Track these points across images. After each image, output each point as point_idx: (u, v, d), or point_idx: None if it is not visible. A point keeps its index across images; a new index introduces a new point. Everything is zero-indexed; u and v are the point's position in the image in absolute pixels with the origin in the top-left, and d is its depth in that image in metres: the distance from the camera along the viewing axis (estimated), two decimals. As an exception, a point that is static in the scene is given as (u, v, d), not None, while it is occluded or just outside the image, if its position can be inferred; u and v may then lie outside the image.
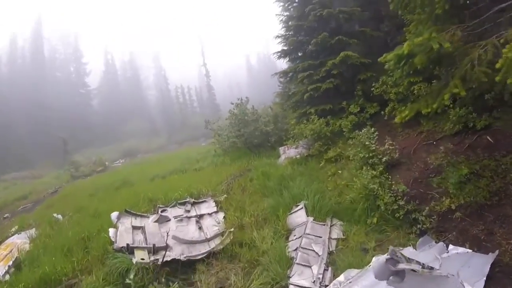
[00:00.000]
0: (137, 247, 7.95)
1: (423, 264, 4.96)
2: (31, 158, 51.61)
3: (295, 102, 16.07)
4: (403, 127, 11.17)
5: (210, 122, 20.58)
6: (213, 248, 8.15)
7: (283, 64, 19.82)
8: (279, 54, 17.45)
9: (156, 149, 55.57)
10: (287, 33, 17.17)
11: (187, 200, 11.18)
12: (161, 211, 10.41)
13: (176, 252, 8.02)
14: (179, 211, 10.56)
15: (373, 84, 12.82)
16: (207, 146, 29.69)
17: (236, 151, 18.06)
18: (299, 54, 17.19)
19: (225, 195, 11.69)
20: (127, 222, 9.54)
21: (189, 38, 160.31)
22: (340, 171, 11.13)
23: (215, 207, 10.78)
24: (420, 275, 4.85)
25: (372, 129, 10.18)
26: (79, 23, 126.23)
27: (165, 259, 7.41)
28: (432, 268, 4.90)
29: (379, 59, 7.12)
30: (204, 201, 11.38)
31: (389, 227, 7.70)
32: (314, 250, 7.41)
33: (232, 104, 18.40)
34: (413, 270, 4.85)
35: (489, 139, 7.97)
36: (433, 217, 7.23)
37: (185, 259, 7.69)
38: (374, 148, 9.57)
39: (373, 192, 8.20)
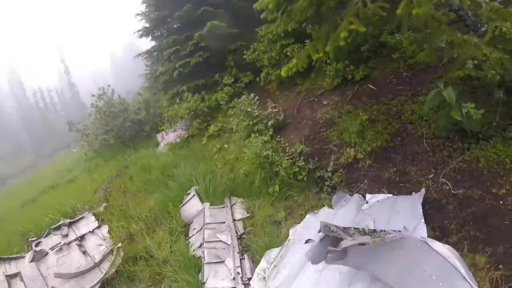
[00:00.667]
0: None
1: (370, 230, 4.00)
2: None
3: (165, 82, 14.63)
4: (280, 90, 11.15)
5: (74, 123, 17.71)
6: (105, 275, 6.58)
7: (147, 45, 18.00)
8: (140, 32, 15.65)
9: (26, 169, 49.20)
10: (147, 10, 15.40)
11: (61, 222, 8.85)
12: (35, 245, 8.14)
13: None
14: (55, 239, 8.33)
15: (244, 53, 12.32)
16: (80, 151, 26.80)
17: (109, 149, 15.92)
18: (163, 31, 15.66)
19: (104, 204, 9.81)
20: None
21: (45, 41, 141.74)
22: (226, 145, 10.16)
23: (96, 221, 8.85)
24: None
25: (252, 95, 9.47)
26: None
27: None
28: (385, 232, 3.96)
29: (255, 5, 6.13)
30: (82, 217, 9.19)
31: (294, 191, 6.95)
32: (221, 241, 6.28)
33: (94, 96, 16.02)
34: (362, 244, 3.94)
35: (371, 86, 7.93)
36: (339, 171, 6.64)
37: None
38: (258, 113, 8.89)
39: (268, 159, 7.32)
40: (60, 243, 7.98)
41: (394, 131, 6.52)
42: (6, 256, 7.95)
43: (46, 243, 8.13)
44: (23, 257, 7.91)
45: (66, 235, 8.29)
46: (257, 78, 11.82)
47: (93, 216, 9.03)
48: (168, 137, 14.01)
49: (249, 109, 8.90)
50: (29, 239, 8.59)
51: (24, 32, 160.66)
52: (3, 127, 69.80)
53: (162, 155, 11.70)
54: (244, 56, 12.24)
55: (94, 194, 10.89)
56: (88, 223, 8.82)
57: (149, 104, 16.61)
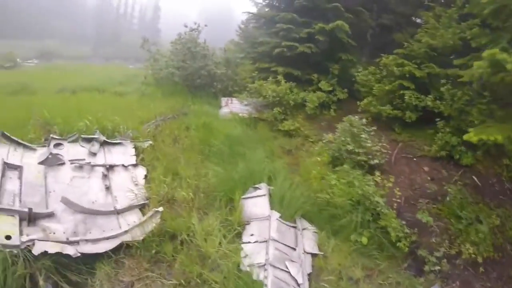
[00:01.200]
0: (1, 210, 4.65)
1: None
2: None
3: (260, 53, 13.23)
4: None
5: (149, 41, 16.66)
6: (127, 234, 5.05)
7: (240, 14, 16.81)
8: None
9: (78, 57, 48.71)
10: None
11: (96, 136, 7.33)
12: (54, 146, 6.73)
13: (66, 228, 4.88)
14: (80, 151, 6.83)
15: (359, 70, 11.62)
16: (136, 70, 25.50)
17: (171, 85, 14.43)
18: (282, 2, 14.30)
19: (150, 141, 8.06)
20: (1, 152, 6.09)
21: None
22: (301, 151, 9.06)
23: (134, 157, 7.22)
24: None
25: (364, 119, 8.06)
26: None
27: (45, 249, 4.17)
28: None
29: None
30: (120, 143, 7.55)
31: (380, 253, 5.85)
32: (290, 273, 4.77)
33: (186, 27, 14.63)
34: None
35: (476, 180, 7.51)
36: (443, 260, 5.86)
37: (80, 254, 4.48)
38: (370, 145, 7.43)
39: (369, 200, 6.10)
40: (83, 160, 6.55)
41: (498, 244, 6.10)
42: (16, 138, 6.66)
43: (68, 150, 6.76)
44: (34, 149, 6.64)
45: (95, 154, 6.87)
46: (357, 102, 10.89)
47: (133, 149, 7.49)
48: (233, 106, 12.68)
49: (363, 135, 7.45)
50: (51, 134, 7.25)
51: None
52: (80, 11, 70.51)
53: (226, 122, 10.27)
54: (356, 73, 11.42)
55: (141, 124, 9.33)
56: (124, 152, 7.32)
57: (228, 64, 15.26)
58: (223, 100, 13.33)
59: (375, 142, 7.87)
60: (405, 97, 9.31)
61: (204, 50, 14.23)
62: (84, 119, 8.19)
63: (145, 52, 16.94)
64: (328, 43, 12.23)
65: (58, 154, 6.45)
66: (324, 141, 8.54)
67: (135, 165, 7.00)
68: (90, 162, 6.52)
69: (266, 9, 15.47)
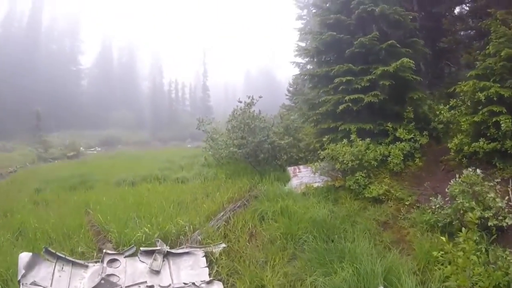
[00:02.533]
0: None
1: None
2: (6, 128, 46.73)
3: (322, 113, 12.01)
4: (460, 166, 8.61)
5: (204, 121, 15.91)
6: None
7: (284, 77, 16.00)
8: (302, 52, 13.52)
9: (138, 143, 51.40)
10: (319, 30, 13.19)
11: (158, 247, 6.24)
12: (109, 263, 5.62)
13: None
14: (139, 268, 5.74)
15: (441, 107, 10.51)
16: (194, 150, 25.26)
17: (233, 164, 13.71)
18: (332, 56, 13.19)
19: (223, 245, 6.73)
20: (44, 272, 5.07)
21: (190, 40, 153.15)
22: (400, 220, 7.42)
23: (206, 269, 5.91)
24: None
25: (478, 170, 6.33)
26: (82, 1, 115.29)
27: None
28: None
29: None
30: (187, 252, 6.34)
31: None
32: None
33: (240, 102, 13.69)
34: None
35: None
36: None
37: None
38: (500, 205, 5.74)
39: None
40: (145, 282, 5.36)
41: None
42: (63, 255, 5.68)
43: (125, 268, 5.61)
44: (85, 266, 5.58)
45: (157, 272, 5.66)
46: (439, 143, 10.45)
47: (204, 258, 6.20)
48: (302, 174, 11.43)
49: (490, 195, 5.78)
50: (104, 250, 6.17)
51: (175, 24, 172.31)
52: (133, 99, 74.46)
53: (304, 200, 8.86)
54: (440, 112, 10.40)
55: (209, 217, 8.26)
56: (194, 265, 6.02)
57: (288, 131, 14.18)
58: (290, 169, 12.11)
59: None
60: (501, 124, 7.82)
61: (262, 122, 13.25)
62: (143, 227, 7.15)
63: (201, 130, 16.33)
64: (393, 86, 10.90)
65: (112, 275, 5.35)
66: (433, 206, 6.82)
67: (209, 282, 5.66)
68: (152, 286, 5.29)
69: (309, 66, 14.49)
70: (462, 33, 13.81)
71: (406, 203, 8.12)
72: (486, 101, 8.24)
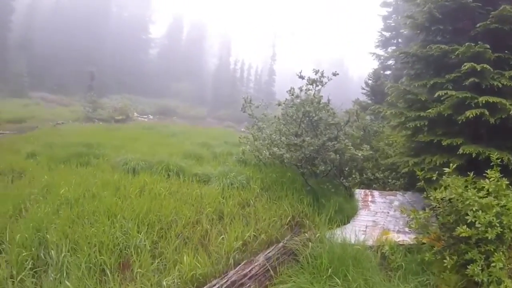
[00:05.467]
0: None
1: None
2: (70, 85, 48.91)
3: (430, 118, 7.10)
4: None
5: (251, 103, 10.89)
6: None
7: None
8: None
9: (194, 118, 48.46)
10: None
11: None
12: None
13: None
14: None
15: None
16: (245, 135, 21.18)
17: (277, 168, 9.03)
18: (450, 31, 8.05)
19: None
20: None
21: (262, 23, 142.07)
22: None
23: None
24: None
25: None
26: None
27: None
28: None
29: None
30: None
31: None
32: None
33: (302, 78, 8.75)
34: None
35: None
36: None
37: None
38: None
39: None
40: None
41: None
42: None
43: None
44: None
45: None
46: None
47: None
48: (376, 207, 7.49)
49: None
50: None
51: (248, 5, 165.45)
52: (198, 73, 71.97)
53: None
54: None
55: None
56: None
57: (365, 135, 9.52)
58: (359, 194, 7.69)
59: None
60: None
61: (331, 115, 8.31)
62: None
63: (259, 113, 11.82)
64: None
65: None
66: None
67: None
68: None
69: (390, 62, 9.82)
70: None
71: None
72: None
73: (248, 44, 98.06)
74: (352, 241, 5.23)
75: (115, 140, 14.89)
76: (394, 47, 23.75)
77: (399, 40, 23.76)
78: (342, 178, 8.22)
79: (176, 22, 77.49)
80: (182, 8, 79.64)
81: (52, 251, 4.72)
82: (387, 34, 24.76)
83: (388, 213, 7.21)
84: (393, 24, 24.31)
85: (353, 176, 8.10)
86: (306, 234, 5.34)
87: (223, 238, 5.36)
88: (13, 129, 22.65)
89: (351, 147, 7.66)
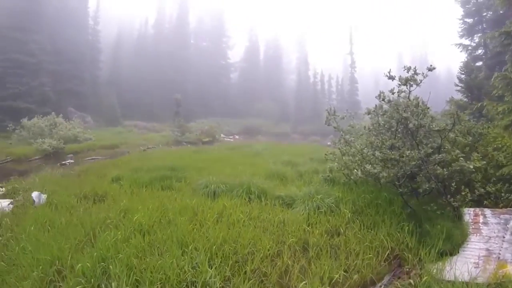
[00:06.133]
0: None
1: None
2: (159, 112, 52.07)
3: None
4: None
5: (335, 115, 9.77)
6: None
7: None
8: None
9: (278, 135, 48.44)
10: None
11: None
12: None
13: None
14: None
15: None
16: (332, 150, 19.78)
17: (370, 188, 7.77)
18: None
19: None
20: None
21: (337, 24, 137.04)
22: None
23: None
24: None
25: None
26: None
27: None
28: None
29: None
30: None
31: None
32: None
33: (392, 79, 7.37)
34: None
35: None
36: None
37: None
38: None
39: None
40: None
41: None
42: None
43: None
44: None
45: None
46: None
47: None
48: (487, 230, 6.19)
49: None
50: None
51: (320, 13, 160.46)
52: (278, 91, 72.21)
53: None
54: None
55: None
56: None
57: (474, 144, 7.90)
58: (468, 214, 6.36)
59: None
60: None
61: (433, 121, 6.89)
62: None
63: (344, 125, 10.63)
64: None
65: None
66: None
67: None
68: None
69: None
70: None
71: None
72: None
73: (324, 54, 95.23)
74: (465, 278, 4.01)
75: (199, 162, 14.78)
76: (479, 34, 20.91)
77: (484, 25, 20.90)
78: (448, 196, 6.74)
79: (252, 44, 78.49)
80: (256, 27, 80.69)
81: (113, 283, 4.27)
82: (470, 20, 21.82)
83: (504, 237, 5.76)
84: (473, 9, 21.27)
85: (463, 193, 6.58)
86: (409, 279, 4.15)
87: (306, 276, 4.42)
88: (105, 154, 23.99)
89: (460, 158, 6.20)
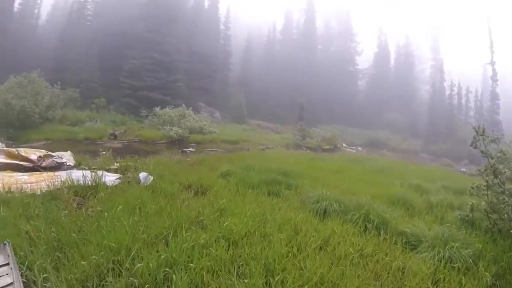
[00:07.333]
0: None
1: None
2: (283, 115, 53.34)
3: None
4: None
5: (484, 135, 8.04)
6: None
7: None
8: None
9: (405, 151, 44.36)
10: None
11: None
12: None
13: None
14: None
15: None
16: (467, 179, 16.42)
17: None
18: None
19: None
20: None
21: (475, 28, 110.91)
22: None
23: None
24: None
25: None
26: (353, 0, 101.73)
27: None
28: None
29: None
30: None
31: None
32: None
33: None
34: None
35: None
36: None
37: None
38: None
39: None
40: None
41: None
42: None
43: None
44: None
45: None
46: None
47: None
48: None
49: None
50: None
51: (459, 21, 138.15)
52: (411, 103, 67.25)
53: None
54: None
55: None
56: None
57: None
58: None
59: None
60: None
61: None
62: None
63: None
64: None
65: None
66: None
67: None
68: None
69: None
70: None
71: None
72: None
73: (460, 62, 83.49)
74: None
75: (315, 170, 13.77)
76: None
77: None
78: None
79: (381, 50, 74.76)
80: (385, 30, 75.73)
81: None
82: None
83: None
84: None
85: None
86: None
87: None
88: (226, 148, 25.35)
89: None
